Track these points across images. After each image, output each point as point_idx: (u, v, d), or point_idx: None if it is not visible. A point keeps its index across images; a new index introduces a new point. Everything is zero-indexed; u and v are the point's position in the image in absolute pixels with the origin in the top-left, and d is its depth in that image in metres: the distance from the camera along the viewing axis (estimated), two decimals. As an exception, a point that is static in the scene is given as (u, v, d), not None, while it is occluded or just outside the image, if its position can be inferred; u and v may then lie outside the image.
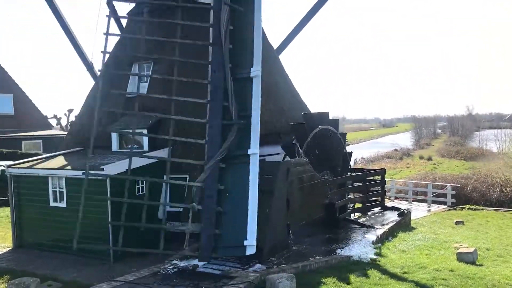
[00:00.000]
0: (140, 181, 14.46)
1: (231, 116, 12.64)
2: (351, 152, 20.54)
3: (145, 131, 15.64)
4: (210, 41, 13.60)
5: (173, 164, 15.46)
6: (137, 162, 14.49)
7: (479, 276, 11.84)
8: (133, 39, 18.00)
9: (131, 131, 14.45)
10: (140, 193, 14.48)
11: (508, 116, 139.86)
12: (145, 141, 15.81)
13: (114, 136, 16.31)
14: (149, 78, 16.95)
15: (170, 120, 15.84)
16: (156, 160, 14.54)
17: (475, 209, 24.97)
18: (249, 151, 12.19)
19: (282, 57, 21.06)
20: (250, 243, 11.71)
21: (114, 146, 16.35)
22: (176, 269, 12.06)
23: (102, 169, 13.25)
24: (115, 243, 13.35)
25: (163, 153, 15.46)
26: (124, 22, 19.36)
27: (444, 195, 26.79)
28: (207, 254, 12.14)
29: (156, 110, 16.55)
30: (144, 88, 16.98)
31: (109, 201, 13.33)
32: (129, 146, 16.14)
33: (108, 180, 13.34)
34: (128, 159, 14.06)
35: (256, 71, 12.40)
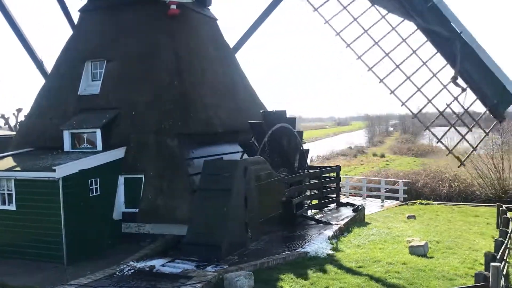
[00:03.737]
0: (94, 181, 14.14)
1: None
2: (308, 150, 20.81)
3: (98, 130, 15.31)
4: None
5: (127, 163, 15.22)
6: (91, 162, 14.18)
7: (430, 268, 12.30)
8: (86, 36, 17.58)
9: (85, 130, 14.20)
10: (94, 194, 14.17)
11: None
12: (99, 140, 15.42)
13: (67, 136, 15.82)
14: (102, 76, 16.60)
15: (125, 119, 15.66)
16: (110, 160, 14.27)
17: (426, 204, 25.79)
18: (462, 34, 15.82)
19: (239, 55, 21.05)
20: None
21: (67, 146, 15.86)
22: (132, 270, 11.86)
23: (54, 170, 12.85)
24: (69, 246, 13.00)
25: (118, 152, 15.18)
26: (75, 19, 18.80)
27: (397, 191, 27.54)
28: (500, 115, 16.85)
29: (108, 108, 16.25)
30: (97, 86, 16.58)
31: (62, 203, 12.95)
32: (82, 146, 15.73)
33: (60, 181, 12.95)
34: (80, 159, 13.74)
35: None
